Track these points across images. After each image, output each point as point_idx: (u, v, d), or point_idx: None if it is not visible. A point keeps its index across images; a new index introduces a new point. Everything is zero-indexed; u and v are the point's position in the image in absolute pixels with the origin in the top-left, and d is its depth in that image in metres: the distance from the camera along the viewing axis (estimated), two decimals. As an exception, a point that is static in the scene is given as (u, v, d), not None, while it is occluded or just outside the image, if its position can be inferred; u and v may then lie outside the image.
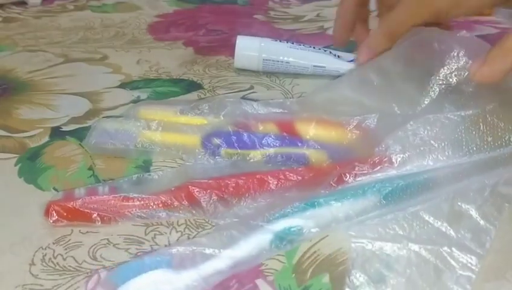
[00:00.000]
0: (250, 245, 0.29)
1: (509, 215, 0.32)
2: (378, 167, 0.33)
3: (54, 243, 0.32)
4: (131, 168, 0.38)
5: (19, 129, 0.44)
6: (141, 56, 0.59)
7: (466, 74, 0.37)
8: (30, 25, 0.69)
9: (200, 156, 0.38)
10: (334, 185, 0.33)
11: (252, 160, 0.38)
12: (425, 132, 0.34)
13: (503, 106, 0.35)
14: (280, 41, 0.53)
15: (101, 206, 0.33)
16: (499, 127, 0.34)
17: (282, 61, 0.51)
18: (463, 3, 0.41)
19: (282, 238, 0.30)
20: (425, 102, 0.38)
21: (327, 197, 0.32)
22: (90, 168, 0.39)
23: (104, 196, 0.33)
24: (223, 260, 0.29)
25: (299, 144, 0.38)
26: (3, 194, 0.36)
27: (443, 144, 0.34)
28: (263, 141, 0.38)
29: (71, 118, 0.45)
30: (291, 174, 0.35)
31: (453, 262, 0.29)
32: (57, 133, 0.43)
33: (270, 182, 0.34)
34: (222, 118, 0.41)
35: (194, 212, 0.33)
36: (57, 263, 0.30)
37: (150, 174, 0.37)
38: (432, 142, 0.34)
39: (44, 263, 0.30)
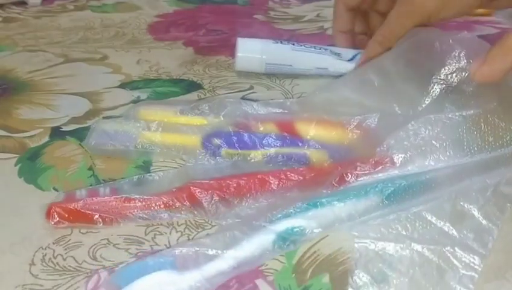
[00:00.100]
0: (253, 246, 0.29)
1: (510, 216, 0.32)
2: (380, 167, 0.33)
3: (54, 243, 0.32)
4: (131, 169, 0.38)
5: (19, 129, 0.44)
6: (141, 56, 0.59)
7: (466, 74, 0.37)
8: (30, 25, 0.69)
9: (200, 157, 0.38)
10: (335, 185, 0.33)
11: (252, 160, 0.38)
12: (427, 132, 0.34)
13: (504, 106, 0.35)
14: (281, 42, 0.52)
15: (102, 208, 0.33)
16: (500, 127, 0.34)
17: (284, 64, 0.51)
18: (450, 4, 0.42)
19: (285, 239, 0.30)
20: (426, 102, 0.38)
21: (329, 197, 0.32)
22: (90, 168, 0.39)
23: (106, 197, 0.33)
24: (226, 260, 0.29)
25: (300, 144, 0.38)
26: (3, 194, 0.36)
27: (444, 144, 0.34)
28: (264, 141, 0.38)
29: (71, 118, 0.45)
30: (293, 174, 0.35)
31: (455, 262, 0.29)
32: (57, 133, 0.43)
33: (272, 182, 0.34)
34: (222, 118, 0.41)
35: (195, 213, 0.33)
36: (57, 263, 0.30)
37: (150, 175, 0.37)
38: (433, 142, 0.34)
39: (44, 263, 0.30)
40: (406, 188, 0.32)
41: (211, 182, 0.34)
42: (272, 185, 0.34)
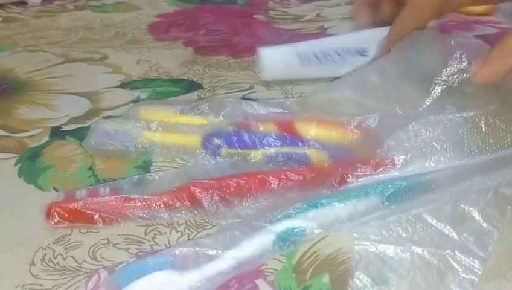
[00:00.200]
0: (253, 246, 0.29)
1: (511, 217, 0.32)
2: (381, 169, 0.33)
3: (54, 243, 0.32)
4: (131, 169, 0.38)
5: (19, 129, 0.44)
6: (141, 56, 0.59)
7: (467, 75, 0.37)
8: (30, 25, 0.69)
9: (200, 157, 0.38)
10: (336, 185, 0.33)
11: (252, 160, 0.38)
12: (427, 134, 0.34)
13: (505, 108, 0.35)
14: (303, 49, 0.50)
15: (102, 208, 0.33)
16: (500, 128, 0.34)
17: (310, 69, 0.49)
18: None
19: (285, 239, 0.30)
20: (427, 103, 0.38)
21: (329, 198, 0.32)
22: (90, 168, 0.39)
23: (106, 197, 0.33)
24: (226, 260, 0.28)
25: (300, 144, 0.38)
26: (3, 194, 0.36)
27: (445, 146, 0.34)
28: (264, 141, 0.38)
29: (71, 118, 0.45)
30: (293, 174, 0.34)
31: (456, 265, 0.29)
32: (57, 133, 0.43)
33: (272, 182, 0.34)
34: (222, 118, 0.41)
35: (195, 212, 0.33)
36: (57, 263, 0.30)
37: (150, 175, 0.37)
38: (434, 143, 0.34)
39: (44, 263, 0.30)
40: (406, 189, 0.32)
41: (211, 181, 0.34)
42: (272, 185, 0.34)
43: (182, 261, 0.29)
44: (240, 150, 0.38)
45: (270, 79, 0.51)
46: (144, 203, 0.33)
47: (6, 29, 0.67)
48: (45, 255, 0.31)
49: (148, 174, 0.37)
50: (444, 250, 0.29)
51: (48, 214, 0.32)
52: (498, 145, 0.34)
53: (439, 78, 0.38)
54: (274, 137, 0.38)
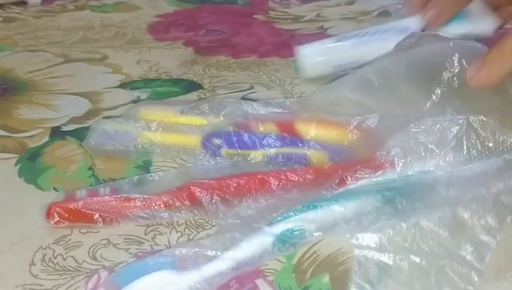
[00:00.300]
0: (253, 247, 0.29)
1: (509, 222, 0.32)
2: (380, 172, 0.33)
3: (54, 243, 0.32)
4: (131, 169, 0.38)
5: (19, 129, 0.44)
6: (141, 56, 0.59)
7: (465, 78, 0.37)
8: (30, 25, 0.69)
9: (200, 157, 0.38)
10: (335, 187, 0.33)
11: (252, 160, 0.38)
12: (427, 137, 0.34)
13: (505, 112, 0.35)
14: (341, 40, 0.50)
15: (102, 207, 0.33)
16: (499, 133, 0.34)
17: (350, 62, 0.49)
18: None
19: (285, 241, 0.30)
20: (427, 105, 0.38)
21: (329, 200, 0.32)
22: (90, 168, 0.39)
23: (106, 197, 0.33)
24: (225, 261, 0.29)
25: (300, 145, 0.38)
26: (3, 194, 0.36)
27: (444, 149, 0.34)
28: (264, 142, 0.38)
29: (71, 118, 0.45)
30: (293, 175, 0.35)
31: (453, 275, 0.29)
32: (57, 133, 0.43)
33: (272, 182, 0.34)
34: (222, 118, 0.41)
35: (195, 212, 0.33)
36: (57, 263, 0.30)
37: (150, 175, 0.37)
38: (433, 147, 0.34)
39: (44, 263, 0.30)
40: (406, 193, 0.32)
41: (211, 181, 0.34)
42: (272, 186, 0.34)
43: (181, 261, 0.29)
44: (239, 150, 0.38)
45: (311, 77, 0.50)
46: (143, 203, 0.33)
47: (6, 29, 0.67)
48: (45, 255, 0.31)
49: (148, 174, 0.38)
50: (442, 260, 0.29)
51: (48, 214, 0.32)
52: (497, 150, 0.34)
53: (439, 80, 0.38)
54: (274, 138, 0.38)
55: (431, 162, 0.34)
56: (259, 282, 0.29)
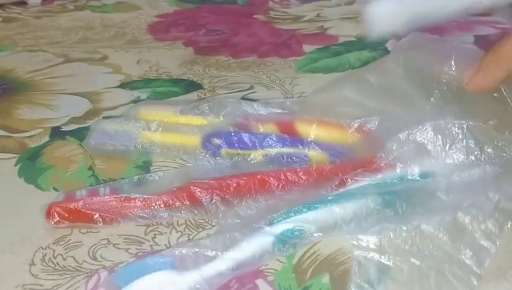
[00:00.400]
0: (253, 248, 0.29)
1: (509, 228, 0.32)
2: (380, 175, 0.33)
3: (54, 243, 0.32)
4: (132, 169, 0.38)
5: (19, 129, 0.44)
6: (141, 56, 0.59)
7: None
8: (30, 25, 0.69)
9: (200, 157, 0.38)
10: (335, 188, 0.33)
11: (252, 161, 0.38)
12: (426, 141, 0.34)
13: (501, 115, 0.35)
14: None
15: (102, 207, 0.33)
16: (498, 138, 0.34)
17: (424, 14, 0.41)
18: None
19: (285, 242, 0.30)
20: (427, 108, 0.38)
21: (329, 201, 0.32)
22: (90, 168, 0.39)
23: (106, 197, 0.33)
24: (225, 262, 0.29)
25: (300, 146, 0.38)
26: (3, 194, 0.36)
27: (443, 154, 0.34)
28: (264, 143, 0.38)
29: (71, 118, 0.45)
30: (293, 175, 0.35)
31: (453, 279, 0.29)
32: (57, 133, 0.43)
33: (272, 182, 0.34)
34: (222, 118, 0.41)
35: (195, 212, 0.33)
36: (57, 263, 0.30)
37: (150, 175, 0.37)
38: (433, 150, 0.34)
39: (44, 263, 0.30)
40: (406, 198, 0.32)
41: (211, 181, 0.34)
42: (272, 186, 0.34)
43: (181, 261, 0.29)
44: (239, 151, 0.38)
45: (381, 34, 0.42)
46: (143, 202, 0.33)
47: (6, 29, 0.67)
48: (45, 255, 0.31)
49: (148, 174, 0.38)
50: (442, 264, 0.29)
51: (48, 214, 0.32)
52: (497, 155, 0.34)
53: (437, 83, 0.38)
54: (274, 139, 0.38)
55: (431, 165, 0.34)
56: (259, 282, 0.29)
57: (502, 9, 0.71)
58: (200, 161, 0.38)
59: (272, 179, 0.34)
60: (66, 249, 0.31)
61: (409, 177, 0.33)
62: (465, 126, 0.34)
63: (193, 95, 0.49)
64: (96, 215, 0.32)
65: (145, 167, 0.39)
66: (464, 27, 0.66)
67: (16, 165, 0.39)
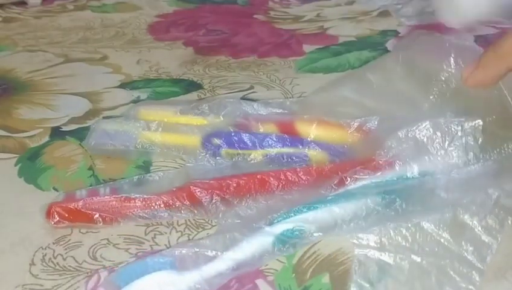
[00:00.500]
0: (253, 248, 0.29)
1: (510, 224, 0.32)
2: (380, 173, 0.33)
3: (54, 243, 0.32)
4: (132, 169, 0.38)
5: (19, 129, 0.44)
6: (141, 56, 0.59)
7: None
8: (30, 25, 0.69)
9: (200, 157, 0.38)
10: (335, 187, 0.33)
11: (252, 160, 0.38)
12: (426, 138, 0.34)
13: (503, 114, 0.35)
14: None
15: (102, 207, 0.33)
16: (498, 136, 0.34)
17: None
18: None
19: (285, 242, 0.30)
20: (426, 105, 0.38)
21: (329, 201, 0.32)
22: (90, 168, 0.39)
23: (106, 197, 0.33)
24: (225, 262, 0.29)
25: (300, 146, 0.38)
26: (3, 194, 0.36)
27: (443, 151, 0.34)
28: (264, 143, 0.38)
29: (71, 118, 0.45)
30: (293, 175, 0.35)
31: (454, 275, 0.29)
32: (57, 133, 0.43)
33: (272, 182, 0.34)
34: (222, 118, 0.41)
35: (195, 212, 0.33)
36: (57, 263, 0.30)
37: (150, 175, 0.37)
38: (432, 148, 0.34)
39: (44, 263, 0.30)
40: (406, 196, 0.32)
41: (211, 181, 0.34)
42: (272, 186, 0.34)
43: (181, 261, 0.29)
44: (239, 151, 0.38)
45: (464, 22, 0.39)
46: (143, 202, 0.33)
47: (6, 29, 0.67)
48: (45, 255, 0.31)
49: (148, 174, 0.38)
50: (443, 260, 0.29)
51: (48, 214, 0.32)
52: (495, 152, 0.34)
53: (436, 80, 0.38)
54: (274, 139, 0.38)
55: (430, 162, 0.34)
56: (259, 282, 0.29)
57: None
58: (200, 161, 0.38)
59: (271, 179, 0.34)
60: (66, 249, 0.31)
61: (408, 175, 0.33)
62: (464, 123, 0.34)
63: (193, 95, 0.49)
64: (96, 215, 0.32)
65: (145, 167, 0.39)
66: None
67: (16, 165, 0.39)
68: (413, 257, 0.29)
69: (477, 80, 0.34)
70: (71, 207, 0.33)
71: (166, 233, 0.32)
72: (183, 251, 0.29)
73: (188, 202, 0.33)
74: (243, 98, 0.48)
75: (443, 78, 0.38)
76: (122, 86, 0.52)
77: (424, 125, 0.34)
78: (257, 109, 0.42)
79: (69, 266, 0.30)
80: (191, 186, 0.34)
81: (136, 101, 0.48)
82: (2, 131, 0.44)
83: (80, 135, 0.42)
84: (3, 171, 0.38)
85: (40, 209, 0.33)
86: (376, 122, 0.38)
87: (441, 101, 0.37)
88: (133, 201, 0.33)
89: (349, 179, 0.33)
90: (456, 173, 0.33)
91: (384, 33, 0.65)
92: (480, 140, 0.34)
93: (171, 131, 0.40)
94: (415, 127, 0.34)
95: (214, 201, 0.33)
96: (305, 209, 0.31)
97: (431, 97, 0.38)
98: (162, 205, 0.33)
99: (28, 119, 0.45)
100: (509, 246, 0.31)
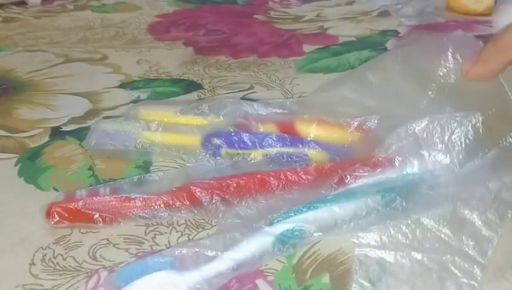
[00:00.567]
0: (253, 248, 0.29)
1: (510, 218, 0.32)
2: (379, 170, 0.33)
3: (54, 243, 0.32)
4: (132, 169, 0.38)
5: (19, 129, 0.44)
6: (141, 56, 0.59)
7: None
8: (30, 25, 0.69)
9: (200, 157, 0.38)
10: (335, 186, 0.33)
11: (252, 160, 0.38)
12: (425, 134, 0.34)
13: (503, 108, 0.35)
14: None
15: (102, 207, 0.33)
16: (498, 130, 0.34)
17: None
18: None
19: (285, 242, 0.30)
20: (425, 102, 0.38)
21: (329, 200, 0.32)
22: (90, 168, 0.39)
23: (106, 197, 0.33)
24: (225, 262, 0.29)
25: (300, 145, 0.38)
26: (3, 194, 0.36)
27: (442, 147, 0.34)
28: (264, 143, 0.38)
29: (71, 118, 0.45)
30: (293, 175, 0.35)
31: (455, 270, 0.29)
32: (57, 133, 0.43)
33: (272, 182, 0.34)
34: (222, 118, 0.41)
35: (195, 212, 0.33)
36: (57, 263, 0.30)
37: (150, 175, 0.37)
38: (432, 144, 0.34)
39: (44, 263, 0.30)
40: (405, 194, 0.32)
41: (211, 181, 0.34)
42: (272, 186, 0.34)
43: (181, 261, 0.29)
44: (239, 150, 0.38)
45: None
46: (143, 202, 0.33)
47: (6, 29, 0.67)
48: (45, 255, 0.31)
49: (148, 174, 0.37)
50: (444, 256, 0.29)
51: (48, 214, 0.32)
52: (494, 146, 0.34)
53: (437, 78, 0.38)
54: (274, 139, 0.38)
55: (430, 158, 0.34)
56: (259, 282, 0.29)
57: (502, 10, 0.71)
58: (200, 161, 0.38)
59: (272, 178, 0.34)
60: (66, 249, 0.31)
61: (408, 171, 0.33)
62: (463, 118, 0.34)
63: (193, 95, 0.49)
64: (96, 215, 0.32)
65: (145, 167, 0.39)
66: (464, 27, 0.66)
67: (16, 165, 0.39)
68: (414, 254, 0.29)
69: (477, 73, 0.34)
70: (71, 207, 0.33)
71: (166, 233, 0.32)
72: (183, 251, 0.29)
73: (188, 202, 0.33)
74: (243, 98, 0.48)
75: (441, 74, 0.38)
76: (122, 86, 0.52)
77: (423, 120, 0.34)
78: (257, 109, 0.42)
79: (69, 266, 0.30)
80: (191, 186, 0.34)
81: (136, 101, 0.48)
82: (2, 131, 0.44)
83: (80, 135, 0.42)
84: (3, 171, 0.38)
85: (40, 209, 0.33)
86: (376, 121, 0.38)
87: (440, 97, 0.37)
88: (133, 201, 0.33)
89: (348, 176, 0.33)
90: (456, 168, 0.33)
91: (384, 33, 0.65)
92: (479, 134, 0.34)
93: (171, 131, 0.40)
94: (414, 123, 0.34)
95: (214, 201, 0.33)
96: (305, 209, 0.31)
97: (430, 93, 0.38)
98: (162, 205, 0.33)
99: (28, 119, 0.45)
100: (509, 244, 0.31)
